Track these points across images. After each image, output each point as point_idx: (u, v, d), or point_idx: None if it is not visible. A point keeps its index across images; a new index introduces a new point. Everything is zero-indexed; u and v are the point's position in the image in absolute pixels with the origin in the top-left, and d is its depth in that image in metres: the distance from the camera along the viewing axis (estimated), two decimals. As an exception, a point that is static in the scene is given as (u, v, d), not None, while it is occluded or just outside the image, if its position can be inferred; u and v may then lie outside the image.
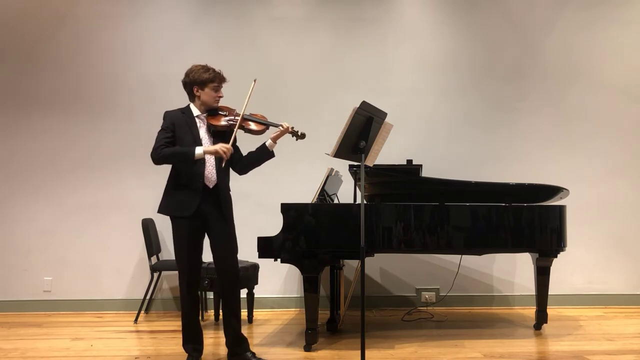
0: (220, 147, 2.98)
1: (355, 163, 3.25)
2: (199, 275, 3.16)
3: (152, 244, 4.52)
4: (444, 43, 5.07)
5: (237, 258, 3.16)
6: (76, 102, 4.91)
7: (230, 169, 3.25)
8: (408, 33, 5.06)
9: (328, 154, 3.07)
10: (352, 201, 4.36)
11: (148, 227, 4.52)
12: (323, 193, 3.80)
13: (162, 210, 3.10)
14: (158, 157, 3.02)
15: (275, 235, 3.50)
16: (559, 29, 5.08)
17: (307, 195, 4.01)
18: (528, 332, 3.98)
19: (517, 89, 5.04)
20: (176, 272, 4.59)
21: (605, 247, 4.96)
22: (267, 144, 3.21)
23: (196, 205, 3.01)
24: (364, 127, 3.06)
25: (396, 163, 4.49)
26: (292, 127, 3.18)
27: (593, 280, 4.95)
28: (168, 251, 4.82)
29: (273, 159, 3.26)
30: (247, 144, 3.33)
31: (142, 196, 4.81)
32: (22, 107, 4.89)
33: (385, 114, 3.18)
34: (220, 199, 3.08)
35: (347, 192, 4.51)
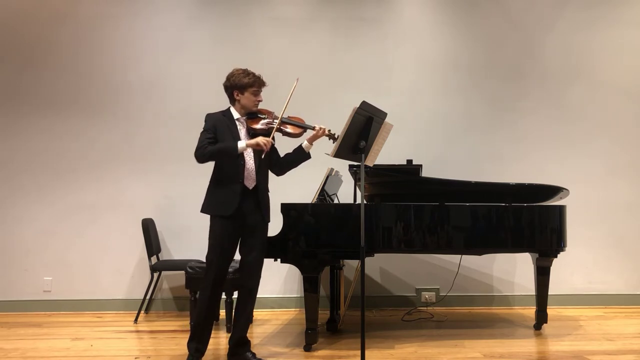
0: (261, 139, 3.08)
1: (355, 163, 3.26)
2: (225, 276, 3.19)
3: (152, 244, 4.52)
4: (444, 43, 5.07)
5: (263, 261, 3.25)
6: (76, 102, 4.91)
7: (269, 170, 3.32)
8: (408, 33, 5.06)
9: (328, 154, 3.07)
10: (352, 201, 4.36)
11: (148, 227, 4.52)
12: (323, 193, 3.81)
13: (204, 209, 3.17)
14: (202, 155, 3.08)
15: (275, 235, 3.50)
16: (559, 29, 5.08)
17: (307, 195, 4.01)
18: (528, 332, 3.98)
19: (517, 89, 5.04)
20: (176, 272, 4.65)
21: (605, 247, 4.96)
22: (303, 145, 3.30)
23: (236, 205, 3.08)
24: (364, 127, 3.07)
25: (396, 163, 4.49)
26: (329, 130, 3.26)
27: (593, 280, 4.95)
28: (168, 251, 4.83)
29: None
30: (284, 146, 3.39)
31: (142, 196, 4.81)
32: (22, 107, 4.89)
33: (385, 114, 3.18)
34: (259, 199, 3.18)
35: (347, 192, 4.51)
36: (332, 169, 4.00)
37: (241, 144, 3.07)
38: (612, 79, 5.06)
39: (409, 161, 4.40)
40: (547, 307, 3.96)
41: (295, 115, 3.32)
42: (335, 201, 4.26)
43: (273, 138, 3.17)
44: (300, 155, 3.32)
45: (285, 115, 3.22)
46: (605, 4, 5.09)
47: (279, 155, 3.36)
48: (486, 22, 5.07)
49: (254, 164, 3.17)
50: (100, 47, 4.95)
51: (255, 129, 3.19)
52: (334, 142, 3.27)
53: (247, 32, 5.00)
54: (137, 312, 4.52)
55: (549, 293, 3.95)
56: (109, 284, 4.81)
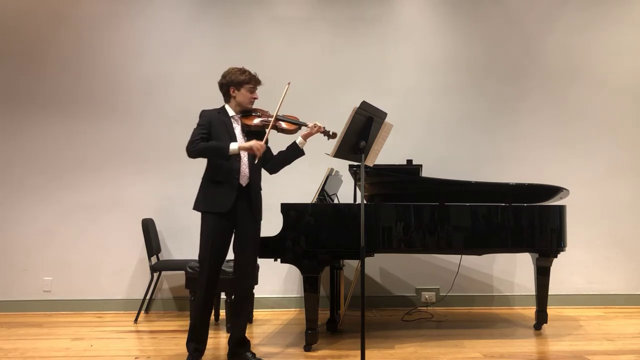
0: (254, 143, 3.06)
1: (355, 163, 3.26)
2: (219, 274, 3.18)
3: (152, 244, 4.52)
4: (444, 43, 5.07)
5: (257, 260, 3.24)
6: (76, 102, 4.91)
7: (262, 168, 3.31)
8: (408, 32, 5.06)
9: (328, 154, 3.07)
10: (352, 201, 4.36)
11: (148, 227, 4.52)
12: (323, 193, 3.80)
13: (198, 206, 3.14)
14: (193, 150, 3.06)
15: (275, 235, 3.50)
16: (559, 29, 5.08)
17: (307, 195, 4.01)
18: (528, 332, 3.98)
19: (517, 89, 5.04)
20: (176, 272, 4.65)
21: (605, 247, 4.96)
22: (297, 141, 3.29)
23: (232, 201, 3.07)
24: (364, 127, 3.07)
25: (396, 163, 4.49)
26: (324, 127, 3.26)
27: (593, 280, 4.95)
28: (168, 251, 4.83)
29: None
30: (277, 143, 3.38)
31: (143, 196, 4.81)
32: (22, 107, 4.89)
33: (385, 114, 3.18)
34: (252, 197, 3.15)
35: (347, 192, 4.51)
36: (332, 169, 4.00)
37: (233, 145, 3.05)
38: (612, 79, 5.06)
39: (409, 161, 4.41)
40: (547, 307, 3.96)
41: (289, 114, 3.31)
42: (335, 201, 4.26)
43: (267, 139, 3.16)
44: (294, 152, 3.31)
45: (280, 114, 3.23)
46: (605, 4, 5.09)
47: (272, 154, 3.36)
48: (486, 22, 5.08)
49: (247, 162, 3.16)
50: (100, 47, 4.95)
51: (250, 126, 3.20)
52: (328, 139, 3.27)
53: (247, 32, 5.00)
54: (137, 312, 4.52)
55: (549, 293, 3.95)
56: (109, 284, 4.81)
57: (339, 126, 3.04)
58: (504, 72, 5.05)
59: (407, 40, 5.05)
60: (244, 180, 3.14)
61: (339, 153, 3.05)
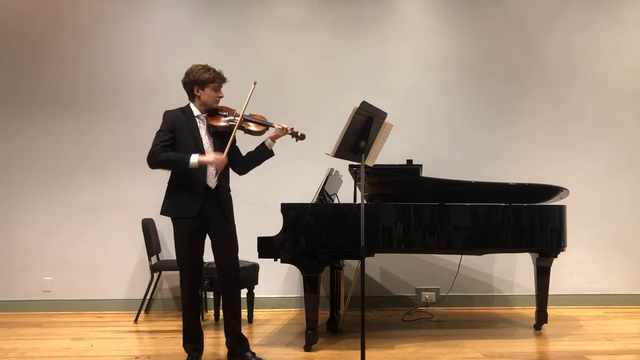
0: (215, 158, 2.99)
1: (355, 163, 3.25)
2: (200, 275, 3.17)
3: (152, 244, 4.52)
4: (444, 43, 5.07)
5: (237, 258, 3.18)
6: (76, 102, 4.91)
7: (230, 170, 3.25)
8: (408, 33, 5.06)
9: (328, 154, 3.07)
10: (352, 201, 4.36)
11: (148, 227, 4.52)
12: (323, 193, 3.80)
13: (164, 211, 3.10)
14: (154, 162, 3.02)
15: (275, 235, 3.50)
16: (559, 29, 5.08)
17: (307, 195, 4.01)
18: (528, 332, 3.98)
19: (517, 89, 5.04)
20: (176, 272, 4.60)
21: (605, 247, 4.96)
22: (266, 142, 3.22)
23: (199, 206, 3.01)
24: (364, 127, 3.06)
25: (396, 163, 4.49)
26: (292, 128, 3.20)
27: (593, 280, 4.95)
28: (168, 251, 4.82)
29: (273, 158, 3.28)
30: (247, 144, 3.34)
31: (142, 196, 4.81)
32: (22, 107, 4.89)
33: (385, 114, 3.18)
34: (220, 199, 3.09)
35: (347, 192, 4.51)
36: (332, 169, 4.00)
37: (194, 159, 2.95)
38: (612, 79, 5.06)
39: (409, 161, 4.41)
40: (547, 307, 3.95)
41: (257, 113, 3.24)
42: (335, 201, 4.26)
43: (234, 141, 3.09)
44: (263, 154, 3.23)
45: (247, 113, 3.15)
46: (605, 4, 5.09)
47: (241, 155, 3.28)
48: (486, 22, 5.08)
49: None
50: (100, 47, 4.95)
51: (215, 126, 3.12)
52: (297, 140, 3.23)
53: (247, 33, 5.00)
54: (137, 312, 4.52)
55: (549, 293, 3.95)
56: (109, 284, 4.81)
57: (339, 126, 3.03)
58: (504, 72, 5.05)
59: (407, 40, 5.05)
60: (212, 182, 3.07)
61: (339, 153, 3.04)
